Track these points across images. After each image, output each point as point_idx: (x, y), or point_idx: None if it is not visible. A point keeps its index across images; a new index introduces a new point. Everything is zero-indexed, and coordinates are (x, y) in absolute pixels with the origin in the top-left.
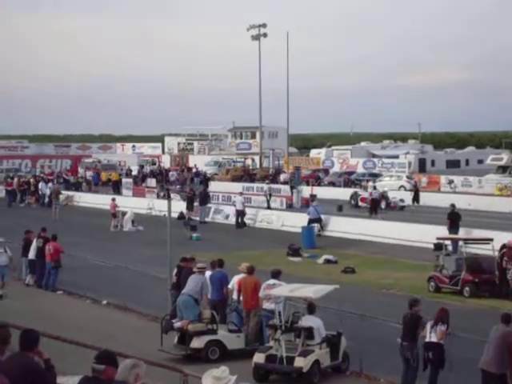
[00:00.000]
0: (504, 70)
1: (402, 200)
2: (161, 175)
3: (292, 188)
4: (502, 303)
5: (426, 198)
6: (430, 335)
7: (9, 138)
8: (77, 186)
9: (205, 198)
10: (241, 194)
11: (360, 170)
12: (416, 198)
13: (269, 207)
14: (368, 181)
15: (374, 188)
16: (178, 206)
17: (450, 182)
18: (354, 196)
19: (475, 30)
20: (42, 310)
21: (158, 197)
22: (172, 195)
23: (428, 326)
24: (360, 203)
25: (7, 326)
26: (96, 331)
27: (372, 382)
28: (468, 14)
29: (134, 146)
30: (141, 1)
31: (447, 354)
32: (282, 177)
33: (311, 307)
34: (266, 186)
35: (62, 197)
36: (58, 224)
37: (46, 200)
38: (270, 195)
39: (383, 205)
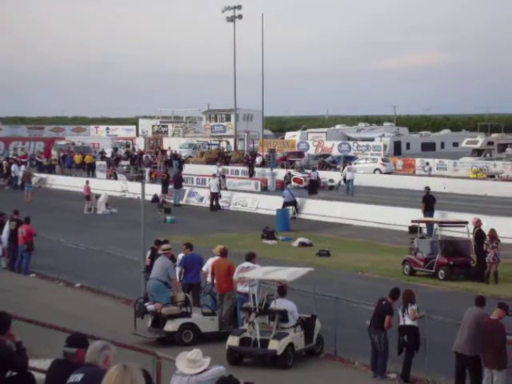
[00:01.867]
0: (479, 54)
1: (331, 180)
2: (136, 158)
3: (250, 172)
4: (477, 286)
5: (401, 181)
6: (404, 318)
7: None
8: (50, 169)
9: (179, 181)
10: (214, 176)
11: (335, 152)
12: (345, 178)
13: (225, 188)
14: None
15: (313, 170)
16: (152, 188)
17: (426, 164)
18: (288, 176)
19: (451, 14)
20: (14, 293)
21: (130, 178)
22: (119, 175)
23: (399, 311)
24: (293, 183)
25: None
26: (69, 314)
27: (346, 364)
28: None
29: (107, 129)
30: None
31: (422, 337)
32: (258, 160)
33: (282, 290)
34: (220, 168)
35: (34, 179)
36: (31, 206)
37: (19, 182)
38: (224, 176)
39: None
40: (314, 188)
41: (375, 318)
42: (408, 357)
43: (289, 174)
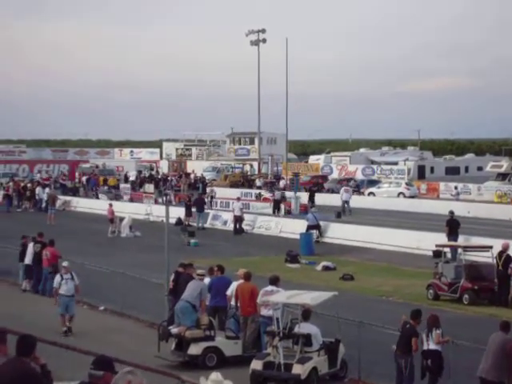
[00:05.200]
0: (504, 78)
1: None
2: (160, 181)
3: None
4: (502, 311)
5: (424, 205)
6: (428, 343)
7: (7, 142)
8: (74, 191)
9: (201, 204)
10: (238, 199)
11: (359, 176)
12: (311, 198)
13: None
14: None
15: (277, 190)
16: (176, 211)
17: (455, 188)
18: (259, 196)
19: (476, 38)
20: (39, 316)
21: (156, 202)
22: (100, 195)
23: (423, 335)
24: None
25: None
26: (93, 337)
27: None
28: (469, 22)
29: (132, 152)
30: (141, 8)
31: (446, 362)
32: (282, 183)
33: (306, 314)
34: (209, 189)
35: (59, 202)
36: (55, 229)
37: (44, 205)
38: (212, 197)
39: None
40: (277, 207)
41: (401, 342)
42: (432, 382)
43: (259, 194)
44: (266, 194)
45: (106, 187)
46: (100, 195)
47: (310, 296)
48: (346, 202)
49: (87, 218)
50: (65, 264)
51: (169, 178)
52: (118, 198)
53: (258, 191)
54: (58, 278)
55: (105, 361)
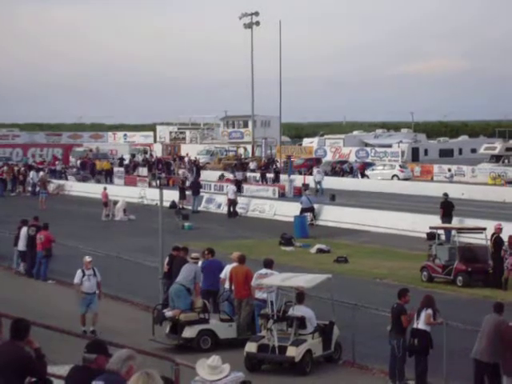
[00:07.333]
0: (498, 60)
1: (257, 180)
2: (154, 164)
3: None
4: (495, 292)
5: (418, 187)
6: (417, 322)
7: (0, 126)
8: (61, 175)
9: (197, 188)
10: (232, 182)
11: (353, 159)
12: (276, 179)
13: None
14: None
15: (237, 171)
16: (170, 194)
17: (448, 170)
18: (221, 177)
19: (470, 21)
20: (33, 300)
21: (150, 186)
22: (69, 177)
23: (415, 315)
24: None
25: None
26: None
27: (364, 371)
28: (462, 6)
29: (125, 135)
30: None
31: (440, 344)
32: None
33: (300, 297)
34: (181, 171)
35: (52, 185)
36: (49, 213)
37: (37, 189)
38: (186, 178)
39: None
40: (238, 187)
41: (393, 323)
42: (421, 363)
43: (222, 175)
44: (228, 175)
45: (74, 169)
46: (69, 177)
47: (305, 279)
48: (319, 182)
49: (81, 202)
50: (88, 259)
51: (170, 162)
52: (85, 179)
53: (220, 173)
54: (79, 273)
55: (98, 344)
